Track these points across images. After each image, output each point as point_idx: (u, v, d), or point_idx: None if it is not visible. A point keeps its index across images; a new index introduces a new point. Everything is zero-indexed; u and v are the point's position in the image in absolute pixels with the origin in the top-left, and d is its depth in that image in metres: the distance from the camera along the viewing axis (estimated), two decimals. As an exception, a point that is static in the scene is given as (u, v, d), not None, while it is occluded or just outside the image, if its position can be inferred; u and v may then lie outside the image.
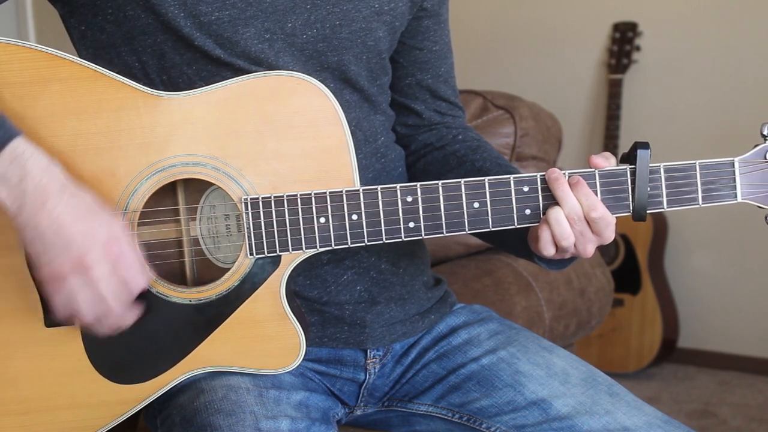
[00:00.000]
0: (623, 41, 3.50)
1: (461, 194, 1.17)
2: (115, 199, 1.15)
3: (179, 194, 1.20)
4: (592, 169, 1.17)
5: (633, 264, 3.44)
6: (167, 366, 1.19)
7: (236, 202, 1.16)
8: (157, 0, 1.17)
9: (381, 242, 1.17)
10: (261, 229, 1.16)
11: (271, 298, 1.18)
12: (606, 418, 1.24)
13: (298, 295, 1.28)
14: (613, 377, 1.33)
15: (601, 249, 2.61)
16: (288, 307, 1.18)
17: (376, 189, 1.16)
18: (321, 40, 1.24)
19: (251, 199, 1.15)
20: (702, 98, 3.44)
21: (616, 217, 1.18)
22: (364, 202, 1.16)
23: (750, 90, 3.34)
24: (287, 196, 1.15)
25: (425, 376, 1.35)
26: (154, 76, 1.21)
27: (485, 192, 1.17)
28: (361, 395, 1.36)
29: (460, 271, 2.00)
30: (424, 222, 1.17)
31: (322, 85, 1.16)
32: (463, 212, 1.17)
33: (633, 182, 1.17)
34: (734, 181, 1.17)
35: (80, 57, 1.22)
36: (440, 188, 1.17)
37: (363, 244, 1.17)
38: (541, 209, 1.17)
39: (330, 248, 1.17)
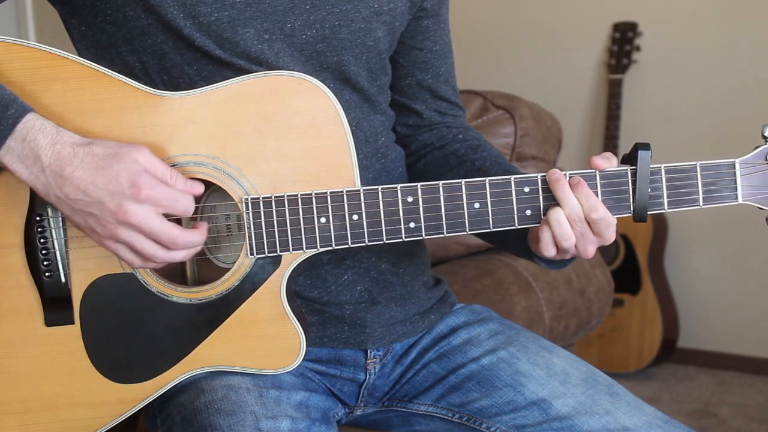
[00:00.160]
0: (623, 41, 3.50)
1: (462, 194, 1.17)
2: (116, 199, 1.15)
3: (180, 194, 1.20)
4: (593, 170, 1.17)
5: (633, 264, 3.44)
6: (167, 366, 1.19)
7: (237, 201, 1.16)
8: (156, 1, 1.17)
9: (381, 242, 1.17)
10: (261, 228, 1.16)
11: (272, 298, 1.18)
12: (606, 418, 1.24)
13: (298, 295, 1.28)
14: (613, 377, 1.33)
15: (601, 249, 2.60)
16: (288, 307, 1.18)
17: (377, 189, 1.16)
18: (320, 41, 1.24)
19: (252, 198, 1.15)
20: (702, 98, 3.44)
21: (617, 218, 1.18)
22: (365, 202, 1.16)
23: (750, 90, 3.34)
24: (288, 196, 1.15)
25: (425, 376, 1.35)
26: (154, 76, 1.21)
27: (486, 192, 1.17)
28: (361, 395, 1.36)
29: (460, 271, 2.00)
30: (424, 222, 1.17)
31: (322, 85, 1.16)
32: (464, 213, 1.17)
33: (634, 183, 1.17)
34: (735, 182, 1.17)
35: (81, 57, 1.22)
36: (441, 188, 1.17)
37: (363, 244, 1.17)
38: (541, 210, 1.17)
39: (330, 248, 1.17)
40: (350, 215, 1.16)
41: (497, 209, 1.17)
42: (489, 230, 1.18)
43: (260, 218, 1.16)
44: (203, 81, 1.20)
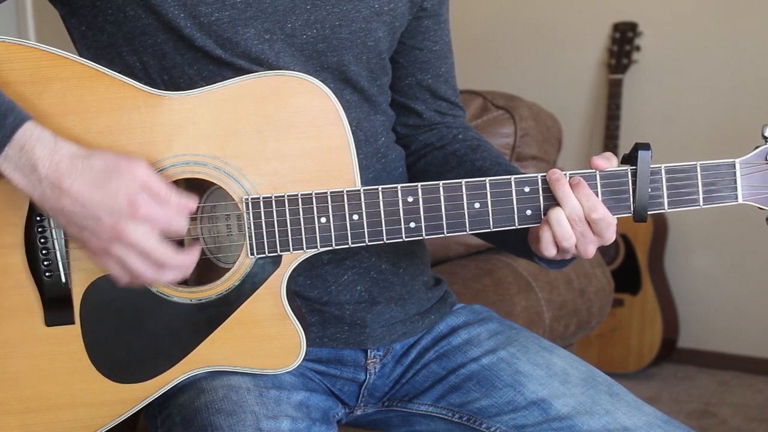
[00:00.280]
0: (623, 41, 3.50)
1: (462, 194, 1.17)
2: (116, 199, 1.15)
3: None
4: (593, 170, 1.17)
5: (633, 264, 3.44)
6: (167, 365, 1.19)
7: (237, 201, 1.16)
8: (157, 1, 1.17)
9: (382, 242, 1.17)
10: (262, 228, 1.16)
11: (272, 298, 1.18)
12: (606, 418, 1.24)
13: (298, 295, 1.28)
14: (613, 377, 1.33)
15: (602, 249, 2.60)
16: (288, 307, 1.18)
17: (377, 189, 1.16)
18: (321, 41, 1.24)
19: (252, 198, 1.15)
20: (702, 98, 3.44)
21: (617, 218, 1.18)
22: (365, 202, 1.16)
23: (750, 90, 3.34)
24: (288, 195, 1.15)
25: (425, 376, 1.35)
26: (155, 76, 1.21)
27: (486, 192, 1.17)
28: (361, 395, 1.36)
29: (460, 271, 2.00)
30: (424, 222, 1.17)
31: (323, 85, 1.16)
32: (464, 212, 1.17)
33: (634, 183, 1.17)
34: (735, 182, 1.17)
35: (81, 57, 1.22)
36: (441, 188, 1.17)
37: (364, 244, 1.17)
38: (541, 210, 1.17)
39: (331, 248, 1.17)
40: (350, 215, 1.16)
41: (497, 209, 1.17)
42: (489, 230, 1.18)
43: (260, 218, 1.16)
44: (203, 81, 1.20)
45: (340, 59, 1.26)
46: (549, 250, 1.17)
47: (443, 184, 1.17)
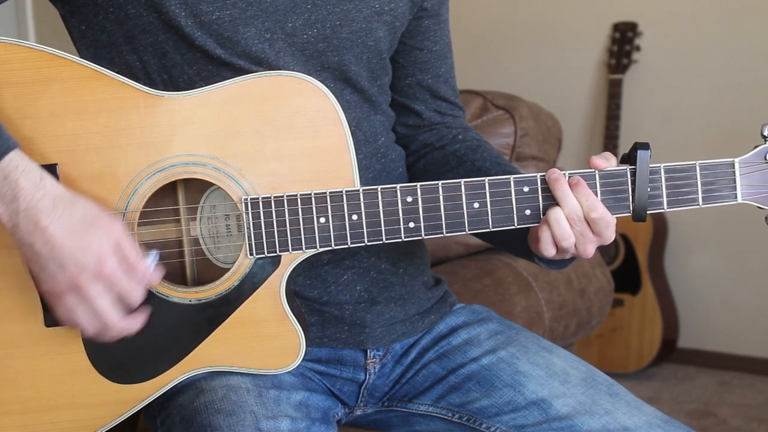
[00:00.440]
0: (623, 41, 3.50)
1: (461, 194, 1.17)
2: (116, 199, 1.15)
3: (179, 194, 1.20)
4: (592, 170, 1.17)
5: (633, 264, 3.44)
6: (167, 366, 1.19)
7: (236, 202, 1.16)
8: (158, -1, 1.17)
9: (381, 242, 1.17)
10: (261, 229, 1.16)
11: (271, 298, 1.18)
12: (606, 418, 1.24)
13: (298, 295, 1.28)
14: (613, 377, 1.33)
15: (601, 249, 2.60)
16: (288, 307, 1.18)
17: (376, 189, 1.16)
18: (321, 40, 1.24)
19: (251, 199, 1.15)
20: (702, 98, 3.44)
21: (616, 218, 1.18)
22: (364, 203, 1.16)
23: (750, 90, 3.34)
24: (287, 196, 1.15)
25: (425, 376, 1.35)
26: (154, 75, 1.21)
27: (485, 192, 1.17)
28: (361, 395, 1.36)
29: (460, 271, 2.00)
30: (424, 222, 1.17)
31: (322, 85, 1.16)
32: (463, 212, 1.17)
33: (633, 183, 1.17)
34: (734, 181, 1.17)
35: (81, 56, 1.22)
36: (440, 188, 1.17)
37: (363, 244, 1.17)
38: (541, 210, 1.17)
39: (330, 248, 1.17)
40: (349, 215, 1.16)
41: (496, 209, 1.17)
42: (488, 230, 1.18)
43: (260, 218, 1.16)
44: (203, 81, 1.20)
45: (341, 59, 1.26)
46: (548, 250, 1.17)
47: (442, 184, 1.17)
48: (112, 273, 1.09)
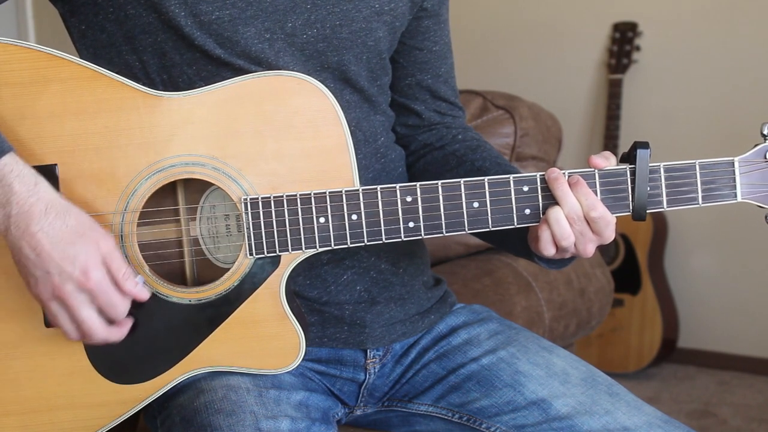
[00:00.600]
0: (623, 41, 3.50)
1: (461, 194, 1.17)
2: (115, 199, 1.15)
3: (179, 194, 1.20)
4: (592, 169, 1.17)
5: (633, 264, 3.44)
6: (167, 366, 1.19)
7: (236, 202, 1.16)
8: (157, -1, 1.17)
9: (380, 242, 1.17)
10: (261, 229, 1.16)
11: (271, 298, 1.18)
12: (606, 418, 1.24)
13: (297, 295, 1.28)
14: (613, 377, 1.33)
15: (601, 249, 2.60)
16: (288, 307, 1.18)
17: (376, 189, 1.16)
18: (321, 40, 1.24)
19: (251, 199, 1.15)
20: (702, 98, 3.44)
21: (616, 217, 1.18)
22: (364, 202, 1.16)
23: (750, 90, 3.34)
24: (287, 196, 1.15)
25: (425, 376, 1.35)
26: (154, 75, 1.21)
27: (485, 192, 1.17)
28: (361, 395, 1.36)
29: (460, 271, 2.00)
30: (423, 222, 1.17)
31: (321, 85, 1.16)
32: (463, 212, 1.17)
33: (633, 182, 1.17)
34: (734, 180, 1.17)
35: (80, 56, 1.22)
36: (440, 188, 1.17)
37: (362, 244, 1.17)
38: (540, 209, 1.17)
39: (329, 248, 1.17)
40: (349, 215, 1.16)
41: (496, 208, 1.17)
42: (488, 229, 1.18)
43: (259, 218, 1.16)
44: (202, 81, 1.20)
45: (341, 59, 1.26)
46: (548, 250, 1.17)
47: (442, 183, 1.17)
48: (96, 286, 1.09)
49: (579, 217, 1.15)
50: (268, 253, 1.16)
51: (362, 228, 1.16)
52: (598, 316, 2.17)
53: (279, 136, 1.16)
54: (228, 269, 1.17)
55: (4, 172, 1.07)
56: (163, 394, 1.20)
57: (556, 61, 3.69)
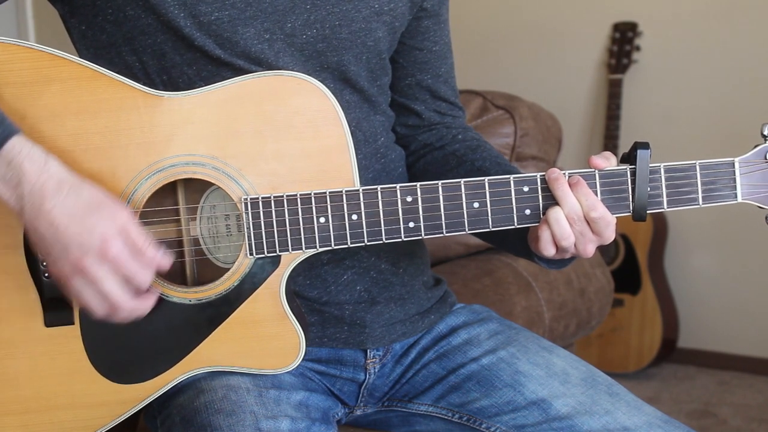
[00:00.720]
0: (623, 41, 3.50)
1: (461, 194, 1.17)
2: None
3: (179, 194, 1.20)
4: (592, 170, 1.17)
5: (633, 264, 3.44)
6: (167, 366, 1.19)
7: (236, 202, 1.16)
8: (157, 0, 1.17)
9: (381, 242, 1.17)
10: (261, 229, 1.16)
11: (271, 298, 1.18)
12: (606, 418, 1.24)
13: (298, 295, 1.28)
14: (613, 377, 1.33)
15: (601, 249, 2.60)
16: (288, 306, 1.18)
17: (376, 189, 1.16)
18: (321, 41, 1.24)
19: (251, 199, 1.15)
20: (702, 98, 3.44)
21: (616, 217, 1.18)
22: (364, 202, 1.16)
23: (750, 90, 3.34)
24: (287, 196, 1.15)
25: (425, 376, 1.35)
26: (154, 76, 1.21)
27: (485, 192, 1.17)
28: (361, 395, 1.36)
29: (460, 271, 2.00)
30: (423, 222, 1.17)
31: (322, 85, 1.16)
32: (463, 212, 1.17)
33: (633, 182, 1.17)
34: (734, 181, 1.17)
35: (80, 57, 1.22)
36: (440, 188, 1.17)
37: (363, 244, 1.17)
38: (541, 209, 1.17)
39: (330, 248, 1.17)
40: (349, 215, 1.16)
41: (496, 209, 1.17)
42: (488, 230, 1.18)
43: (259, 218, 1.16)
44: (202, 81, 1.20)
45: (340, 59, 1.26)
46: (548, 250, 1.17)
47: (442, 183, 1.17)
48: (117, 255, 1.07)
49: (579, 218, 1.15)
50: (268, 253, 1.16)
51: (362, 228, 1.16)
52: (598, 316, 2.17)
53: (279, 136, 1.16)
54: (228, 269, 1.17)
55: (14, 153, 1.07)
56: (163, 394, 1.20)
57: (556, 61, 3.69)
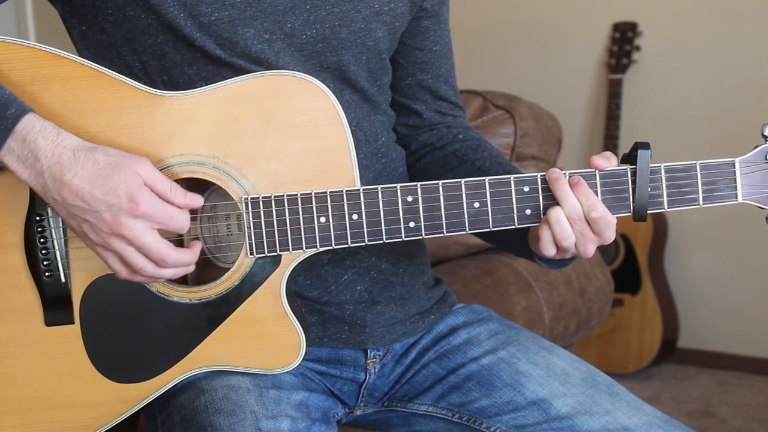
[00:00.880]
0: (623, 41, 3.50)
1: (461, 194, 1.17)
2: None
3: (179, 194, 1.20)
4: (593, 170, 1.17)
5: (633, 264, 3.44)
6: (167, 365, 1.19)
7: (237, 201, 1.16)
8: (157, 1, 1.17)
9: (381, 242, 1.17)
10: (261, 228, 1.16)
11: (272, 298, 1.18)
12: (606, 417, 1.24)
13: (298, 294, 1.28)
14: (613, 377, 1.33)
15: (601, 249, 2.60)
16: (288, 306, 1.18)
17: (377, 189, 1.16)
18: (320, 41, 1.24)
19: (252, 198, 1.15)
20: (702, 98, 3.44)
21: (617, 217, 1.18)
22: (365, 202, 1.16)
23: (750, 90, 3.34)
24: (287, 195, 1.15)
25: (425, 376, 1.35)
26: (154, 76, 1.21)
27: (485, 192, 1.17)
28: (361, 395, 1.36)
29: (460, 271, 2.00)
30: (424, 222, 1.17)
31: (322, 84, 1.16)
32: (464, 212, 1.17)
33: (633, 182, 1.17)
34: (735, 181, 1.17)
35: (81, 57, 1.22)
36: (440, 188, 1.17)
37: (363, 243, 1.17)
38: (541, 209, 1.17)
39: (330, 248, 1.17)
40: (350, 215, 1.16)
41: (497, 209, 1.17)
42: (489, 230, 1.18)
43: (260, 218, 1.16)
44: (203, 81, 1.20)
45: (340, 59, 1.26)
46: (548, 250, 1.17)
47: (443, 183, 1.17)
48: (147, 207, 1.08)
49: (579, 218, 1.15)
50: (268, 252, 1.16)
51: (363, 228, 1.16)
52: (598, 316, 2.17)
53: (280, 136, 1.16)
54: (228, 269, 1.17)
55: (27, 130, 1.07)
56: (164, 393, 1.20)
57: (556, 61, 3.69)
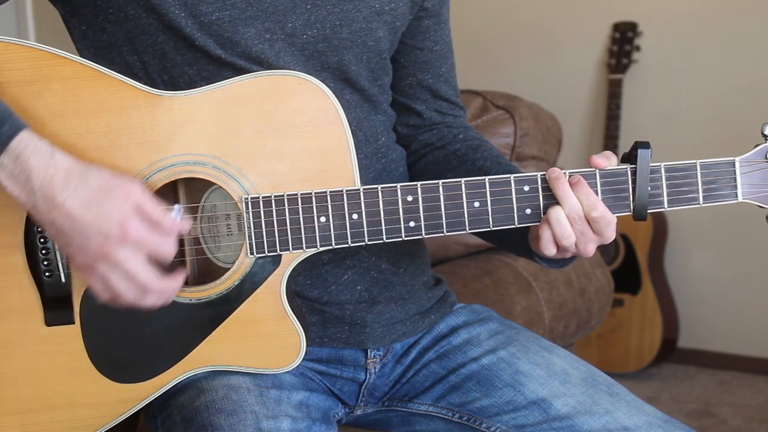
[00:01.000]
0: (623, 41, 3.50)
1: (462, 194, 1.17)
2: (116, 199, 1.15)
3: (180, 193, 1.20)
4: (593, 169, 1.17)
5: (633, 264, 3.44)
6: (167, 365, 1.19)
7: (237, 201, 1.16)
8: (158, 0, 1.17)
9: (381, 242, 1.17)
10: (261, 228, 1.16)
11: (272, 298, 1.18)
12: (606, 417, 1.24)
13: (298, 294, 1.28)
14: (613, 377, 1.33)
15: (601, 249, 2.60)
16: (288, 306, 1.18)
17: (377, 188, 1.16)
18: (321, 40, 1.24)
19: (252, 198, 1.15)
20: (702, 98, 3.44)
21: (617, 217, 1.18)
22: (365, 202, 1.16)
23: (750, 90, 3.34)
24: (288, 195, 1.15)
25: (425, 376, 1.35)
26: (155, 75, 1.21)
27: (486, 191, 1.17)
28: (361, 395, 1.36)
29: (460, 271, 2.00)
30: (424, 221, 1.17)
31: (322, 84, 1.16)
32: (464, 212, 1.17)
33: (634, 182, 1.17)
34: (735, 180, 1.17)
35: (81, 56, 1.22)
36: (441, 188, 1.17)
37: (363, 243, 1.17)
38: (541, 209, 1.17)
39: (330, 248, 1.17)
40: (350, 214, 1.16)
41: (497, 208, 1.17)
42: (489, 229, 1.18)
43: (260, 218, 1.16)
44: (203, 81, 1.20)
45: (341, 59, 1.26)
46: (549, 249, 1.17)
47: (443, 183, 1.17)
48: (136, 235, 1.07)
49: (580, 217, 1.15)
50: (268, 252, 1.16)
51: (363, 227, 1.16)
52: (598, 316, 2.17)
53: (280, 136, 1.16)
54: (228, 269, 1.17)
55: (20, 149, 1.06)
56: (164, 393, 1.20)
57: (556, 61, 3.69)
